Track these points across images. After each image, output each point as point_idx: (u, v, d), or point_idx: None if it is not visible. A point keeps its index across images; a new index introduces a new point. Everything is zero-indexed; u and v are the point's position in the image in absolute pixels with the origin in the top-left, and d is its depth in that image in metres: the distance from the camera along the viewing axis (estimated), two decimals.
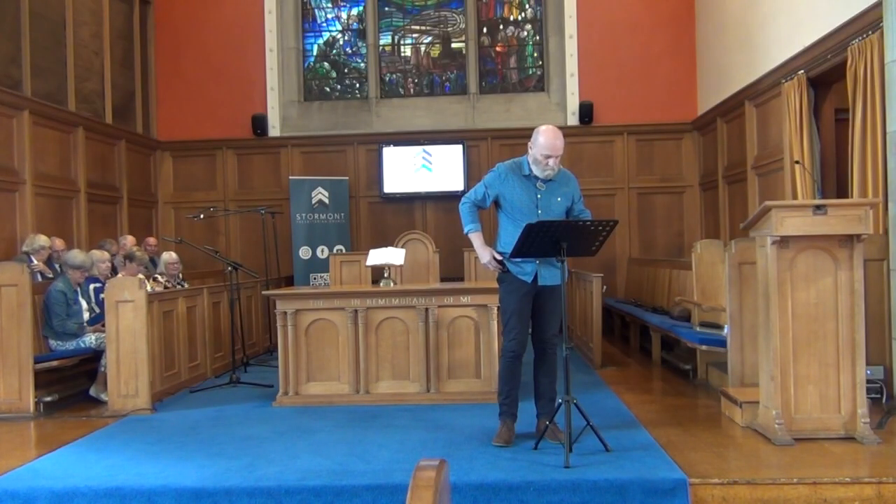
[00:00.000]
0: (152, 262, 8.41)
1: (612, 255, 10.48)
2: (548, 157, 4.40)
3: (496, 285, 5.94)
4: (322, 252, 9.89)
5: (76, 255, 6.46)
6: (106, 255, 7.02)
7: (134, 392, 5.65)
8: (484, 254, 4.56)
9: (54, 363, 5.98)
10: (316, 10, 11.25)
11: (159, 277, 7.46)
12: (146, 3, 10.62)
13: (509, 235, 4.48)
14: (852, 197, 5.98)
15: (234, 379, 6.68)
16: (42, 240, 7.14)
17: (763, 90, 8.12)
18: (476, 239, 4.62)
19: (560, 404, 4.23)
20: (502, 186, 4.54)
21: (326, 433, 4.83)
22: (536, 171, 4.46)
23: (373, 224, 10.80)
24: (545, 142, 4.40)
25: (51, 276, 6.98)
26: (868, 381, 4.56)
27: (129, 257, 6.91)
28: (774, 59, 7.63)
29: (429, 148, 10.55)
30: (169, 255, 7.73)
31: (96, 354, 6.15)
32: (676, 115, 10.50)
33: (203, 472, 3.99)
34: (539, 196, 4.48)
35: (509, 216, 4.54)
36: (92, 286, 6.60)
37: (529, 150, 4.49)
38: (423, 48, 11.22)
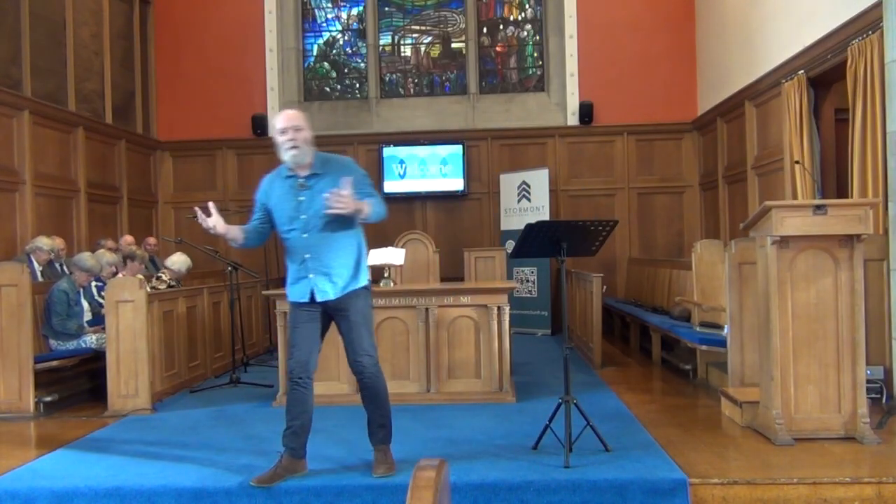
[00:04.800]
0: (152, 261, 8.41)
1: (612, 255, 10.47)
2: (282, 131, 3.79)
3: (496, 285, 5.92)
4: None
5: (87, 259, 6.42)
6: (115, 257, 6.97)
7: (134, 392, 5.66)
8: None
9: (54, 363, 5.97)
10: (316, 10, 11.25)
11: (163, 276, 7.42)
12: (146, 3, 10.62)
13: (289, 263, 3.91)
14: (852, 197, 5.98)
15: (234, 379, 6.68)
16: (41, 241, 7.10)
17: (763, 90, 8.12)
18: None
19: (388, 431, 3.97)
20: (267, 199, 3.94)
21: (326, 433, 4.82)
22: (286, 158, 3.82)
23: (373, 224, 10.75)
24: (276, 120, 3.86)
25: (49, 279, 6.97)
26: (868, 381, 4.56)
27: (130, 257, 6.89)
28: (774, 59, 7.63)
29: (429, 149, 10.55)
30: (185, 259, 7.55)
31: (97, 354, 6.15)
32: (676, 115, 10.51)
33: (203, 472, 3.99)
34: (301, 199, 3.84)
35: (280, 234, 3.93)
36: (94, 284, 6.59)
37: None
38: (423, 48, 11.22)
